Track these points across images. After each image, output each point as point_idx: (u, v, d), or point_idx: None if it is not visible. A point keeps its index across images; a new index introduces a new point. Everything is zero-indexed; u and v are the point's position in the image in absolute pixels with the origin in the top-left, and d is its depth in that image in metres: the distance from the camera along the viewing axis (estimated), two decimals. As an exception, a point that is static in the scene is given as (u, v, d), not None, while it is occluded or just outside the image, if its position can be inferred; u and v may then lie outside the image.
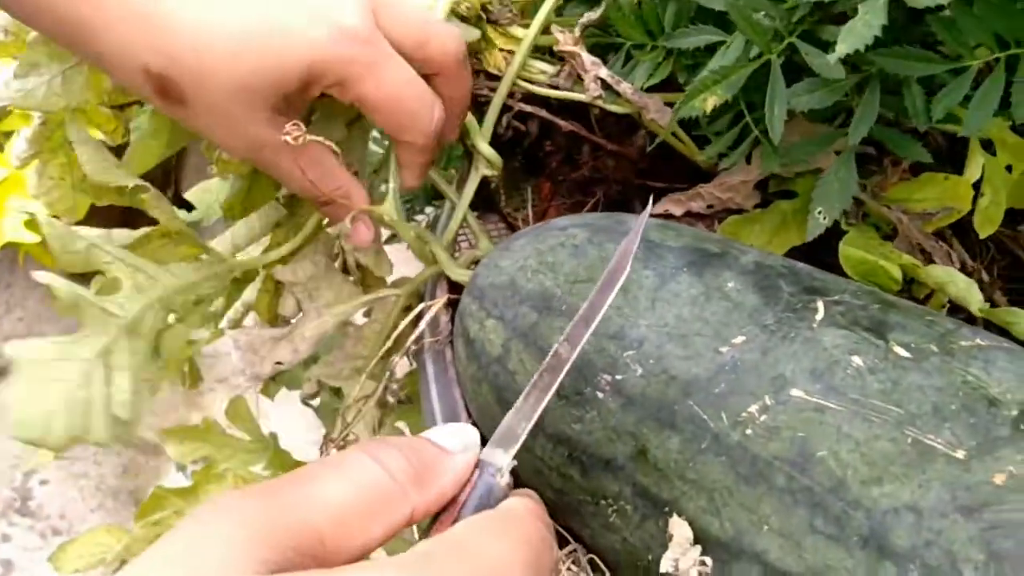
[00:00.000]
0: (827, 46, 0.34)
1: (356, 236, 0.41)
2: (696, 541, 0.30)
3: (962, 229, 0.48)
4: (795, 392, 0.30)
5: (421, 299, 0.45)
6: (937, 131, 0.46)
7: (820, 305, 0.32)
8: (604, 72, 0.44)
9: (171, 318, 0.39)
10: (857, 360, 0.30)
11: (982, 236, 0.43)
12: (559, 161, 0.53)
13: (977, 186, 0.43)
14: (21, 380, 0.33)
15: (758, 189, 0.45)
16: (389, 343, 0.43)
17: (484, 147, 0.45)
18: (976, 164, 0.41)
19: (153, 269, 0.41)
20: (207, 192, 0.63)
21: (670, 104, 0.45)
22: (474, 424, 0.39)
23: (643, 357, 0.32)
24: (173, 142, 0.44)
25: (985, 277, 0.48)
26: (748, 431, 0.29)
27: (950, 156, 0.47)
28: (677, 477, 0.30)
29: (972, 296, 0.34)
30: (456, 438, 0.27)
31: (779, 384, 0.30)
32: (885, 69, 0.33)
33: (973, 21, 0.31)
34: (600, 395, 0.32)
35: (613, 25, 0.44)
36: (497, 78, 0.47)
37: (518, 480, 0.38)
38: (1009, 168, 0.44)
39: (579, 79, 0.45)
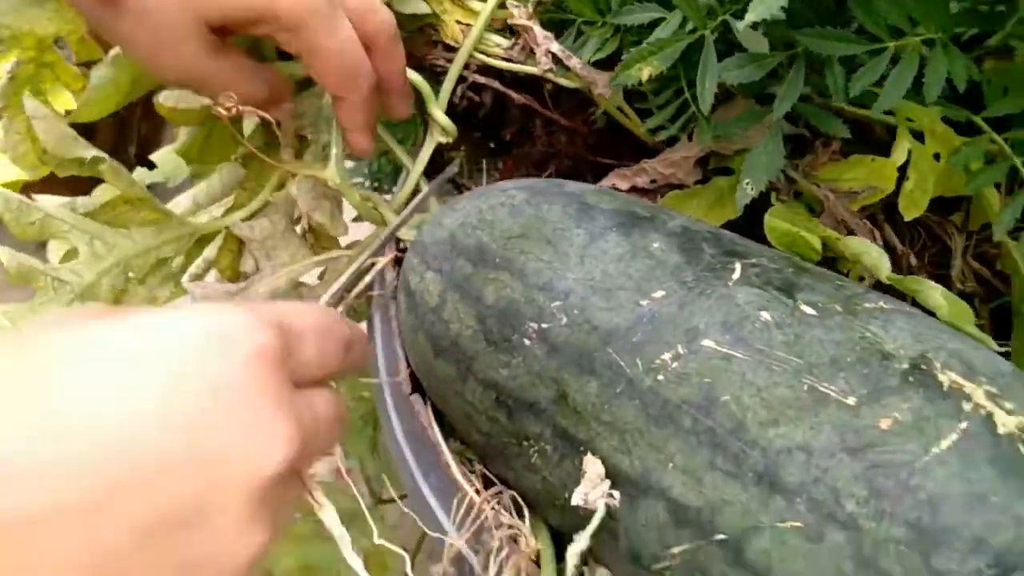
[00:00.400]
0: (758, 25, 0.36)
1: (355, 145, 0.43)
2: (608, 478, 0.32)
3: (894, 216, 0.51)
4: (706, 342, 0.31)
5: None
6: (877, 122, 0.48)
7: (738, 266, 0.34)
8: (555, 46, 0.46)
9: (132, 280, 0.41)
10: (766, 315, 0.32)
11: (907, 219, 0.46)
12: (513, 134, 0.55)
13: (905, 170, 0.46)
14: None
15: (699, 166, 0.47)
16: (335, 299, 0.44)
17: (439, 115, 0.47)
18: (902, 148, 0.43)
19: (111, 235, 0.43)
20: (172, 154, 0.64)
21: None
22: (412, 374, 0.40)
23: (568, 308, 0.33)
24: (132, 92, 0.46)
25: (914, 261, 0.51)
26: (660, 377, 0.31)
27: (887, 145, 0.50)
28: (593, 419, 0.32)
29: (882, 265, 0.36)
30: None
31: (692, 335, 0.32)
32: (809, 48, 0.35)
33: (890, 5, 0.33)
34: (527, 342, 0.34)
35: (565, 1, 0.46)
36: (454, 49, 0.48)
37: (441, 419, 0.40)
38: (937, 157, 0.47)
39: (532, 53, 0.47)
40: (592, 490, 0.30)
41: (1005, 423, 0.29)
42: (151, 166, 0.58)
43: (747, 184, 0.38)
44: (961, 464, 0.28)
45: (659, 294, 0.33)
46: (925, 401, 0.29)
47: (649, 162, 0.48)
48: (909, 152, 0.44)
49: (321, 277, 0.50)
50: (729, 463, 0.30)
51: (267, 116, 0.39)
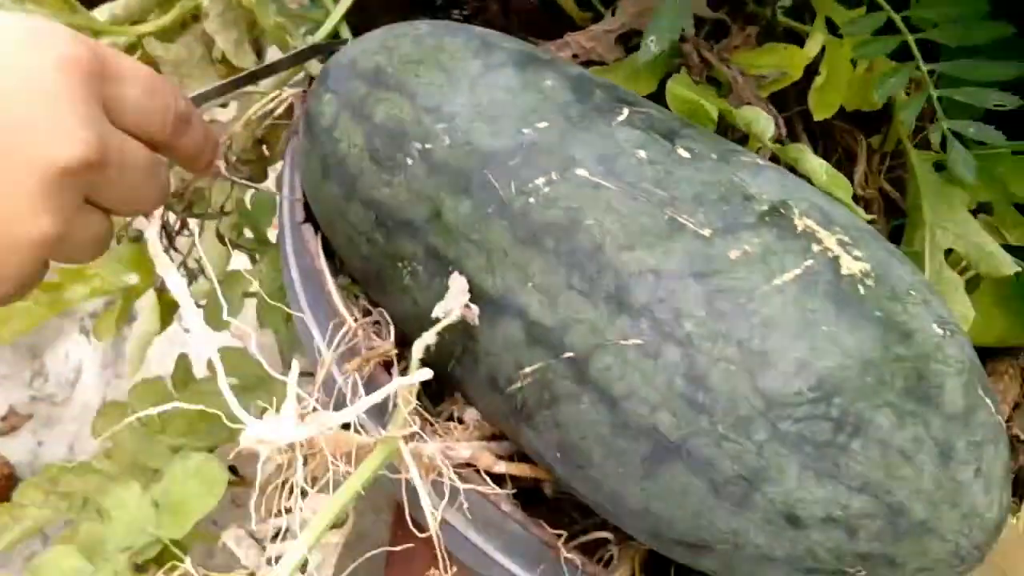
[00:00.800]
0: None
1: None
2: (472, 297, 0.32)
3: (810, 126, 0.51)
4: (579, 171, 0.32)
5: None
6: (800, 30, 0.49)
7: (625, 111, 0.35)
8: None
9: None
10: (641, 153, 0.33)
11: (816, 118, 0.46)
12: (473, 10, 0.55)
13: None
14: None
15: (620, 44, 0.47)
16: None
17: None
18: (816, 41, 0.43)
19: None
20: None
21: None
22: (304, 197, 0.40)
23: (453, 130, 0.34)
24: None
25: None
26: (531, 200, 0.32)
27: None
28: (463, 238, 0.33)
29: (768, 130, 0.37)
30: None
31: (567, 163, 0.32)
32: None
33: None
34: (410, 161, 0.34)
35: None
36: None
37: (332, 257, 0.41)
38: (854, 64, 0.47)
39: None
40: (453, 302, 0.31)
41: (850, 267, 0.30)
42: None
43: (651, 41, 0.39)
44: (799, 294, 0.29)
45: (542, 125, 0.33)
46: (776, 239, 0.30)
47: (572, 35, 0.48)
48: (824, 49, 0.45)
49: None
50: (584, 283, 0.30)
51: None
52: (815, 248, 0.30)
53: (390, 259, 0.35)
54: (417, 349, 0.30)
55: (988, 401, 0.30)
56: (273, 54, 0.51)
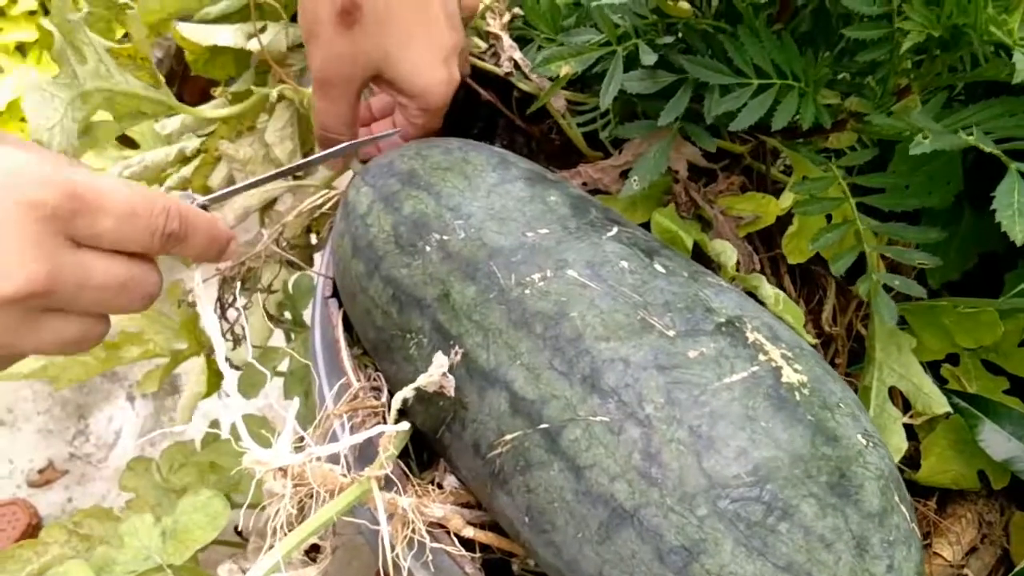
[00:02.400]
0: (660, 47, 0.44)
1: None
2: (468, 368, 0.38)
3: (793, 269, 0.58)
4: (570, 272, 0.38)
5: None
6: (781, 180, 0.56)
7: (615, 229, 0.41)
8: (518, 55, 0.54)
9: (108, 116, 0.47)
10: (624, 264, 0.38)
11: (790, 261, 0.53)
12: (480, 130, 0.63)
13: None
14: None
15: (624, 178, 0.54)
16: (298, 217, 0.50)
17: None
18: (788, 196, 0.50)
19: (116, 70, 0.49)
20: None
21: (571, 102, 0.55)
22: (334, 283, 0.46)
23: (468, 226, 0.40)
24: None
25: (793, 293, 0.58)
26: (527, 291, 0.38)
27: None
28: (466, 317, 0.38)
29: (731, 260, 0.43)
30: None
31: (560, 264, 0.38)
32: (693, 74, 0.42)
33: (755, 48, 0.41)
34: (428, 248, 0.40)
35: (531, 20, 0.54)
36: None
37: (350, 333, 0.46)
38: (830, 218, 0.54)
39: (500, 58, 0.55)
40: (434, 372, 0.36)
41: (789, 377, 0.35)
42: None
43: (634, 180, 0.45)
44: (744, 393, 0.34)
45: (543, 231, 0.40)
46: (729, 346, 0.35)
47: (583, 167, 0.55)
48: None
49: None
50: (564, 364, 0.36)
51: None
52: (761, 357, 0.35)
53: (400, 330, 0.40)
54: (396, 400, 0.35)
55: (904, 509, 0.34)
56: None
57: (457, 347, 0.38)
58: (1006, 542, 0.47)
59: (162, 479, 0.60)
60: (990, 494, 0.48)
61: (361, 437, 0.37)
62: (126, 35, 0.56)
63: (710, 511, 0.32)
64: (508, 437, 0.36)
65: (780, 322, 0.39)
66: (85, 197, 0.35)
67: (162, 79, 0.52)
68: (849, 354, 0.55)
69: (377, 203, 0.42)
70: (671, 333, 0.36)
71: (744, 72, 0.41)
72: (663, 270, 0.39)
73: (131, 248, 0.37)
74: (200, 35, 0.59)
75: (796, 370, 0.35)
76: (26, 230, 0.33)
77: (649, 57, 0.42)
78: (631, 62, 0.44)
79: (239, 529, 0.66)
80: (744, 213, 0.50)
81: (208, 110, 0.55)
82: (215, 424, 0.73)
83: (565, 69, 0.45)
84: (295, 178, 0.58)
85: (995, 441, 0.43)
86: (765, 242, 0.56)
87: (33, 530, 0.96)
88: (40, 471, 1.07)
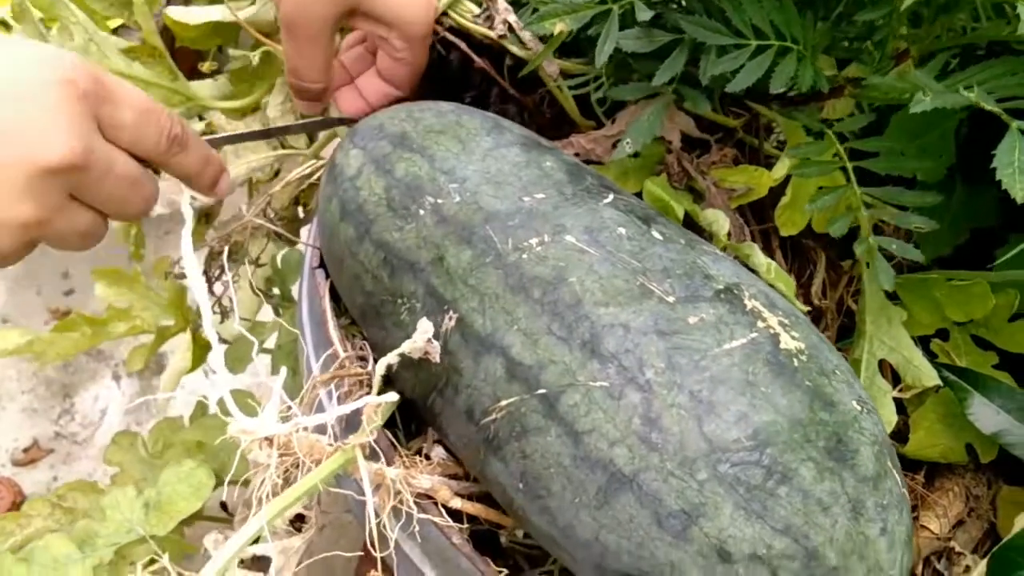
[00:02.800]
0: (657, 4, 0.43)
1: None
2: (462, 333, 0.37)
3: (785, 242, 0.58)
4: (568, 237, 0.37)
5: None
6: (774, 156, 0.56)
7: (611, 195, 0.40)
8: (512, 18, 0.53)
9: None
10: (621, 230, 0.38)
11: (782, 233, 0.53)
12: (473, 98, 0.62)
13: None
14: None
15: (616, 146, 0.54)
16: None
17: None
18: (782, 166, 0.50)
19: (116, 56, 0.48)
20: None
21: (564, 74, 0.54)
22: (320, 254, 0.45)
23: (463, 190, 0.39)
24: None
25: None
26: (524, 256, 0.37)
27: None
28: (461, 281, 0.37)
29: (723, 229, 0.42)
30: None
31: (558, 230, 0.38)
32: (690, 34, 0.41)
33: (754, 8, 0.40)
34: (422, 212, 0.39)
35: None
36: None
37: (337, 296, 0.45)
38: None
39: (494, 21, 0.54)
40: (419, 338, 0.35)
41: (787, 343, 0.35)
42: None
43: (627, 142, 0.45)
44: (743, 359, 0.34)
45: (540, 196, 0.39)
46: (728, 312, 0.35)
47: (576, 137, 0.54)
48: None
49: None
50: (563, 330, 0.35)
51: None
52: (760, 324, 0.35)
53: (391, 295, 0.40)
54: (381, 366, 0.35)
55: (896, 474, 0.35)
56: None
57: (452, 312, 0.37)
58: (993, 516, 0.48)
59: (147, 454, 0.59)
60: (977, 468, 0.48)
61: (348, 408, 0.36)
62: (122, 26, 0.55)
63: (710, 475, 0.32)
64: (504, 403, 0.36)
65: (775, 291, 0.39)
66: (109, 86, 0.37)
67: (179, 72, 0.51)
68: (839, 329, 0.55)
69: (368, 166, 0.41)
70: (671, 299, 0.35)
71: (742, 33, 0.40)
72: (660, 237, 0.38)
73: (144, 146, 0.39)
74: (192, 18, 0.57)
75: (793, 337, 0.35)
76: (65, 106, 0.35)
77: (645, 13, 0.41)
78: (627, 22, 0.43)
79: (226, 506, 0.65)
80: (736, 185, 0.50)
81: (218, 103, 0.54)
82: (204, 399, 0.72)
83: (559, 27, 0.44)
84: (283, 146, 0.57)
85: (984, 414, 0.44)
86: (757, 215, 0.55)
87: (17, 508, 0.95)
88: (25, 450, 1.05)
